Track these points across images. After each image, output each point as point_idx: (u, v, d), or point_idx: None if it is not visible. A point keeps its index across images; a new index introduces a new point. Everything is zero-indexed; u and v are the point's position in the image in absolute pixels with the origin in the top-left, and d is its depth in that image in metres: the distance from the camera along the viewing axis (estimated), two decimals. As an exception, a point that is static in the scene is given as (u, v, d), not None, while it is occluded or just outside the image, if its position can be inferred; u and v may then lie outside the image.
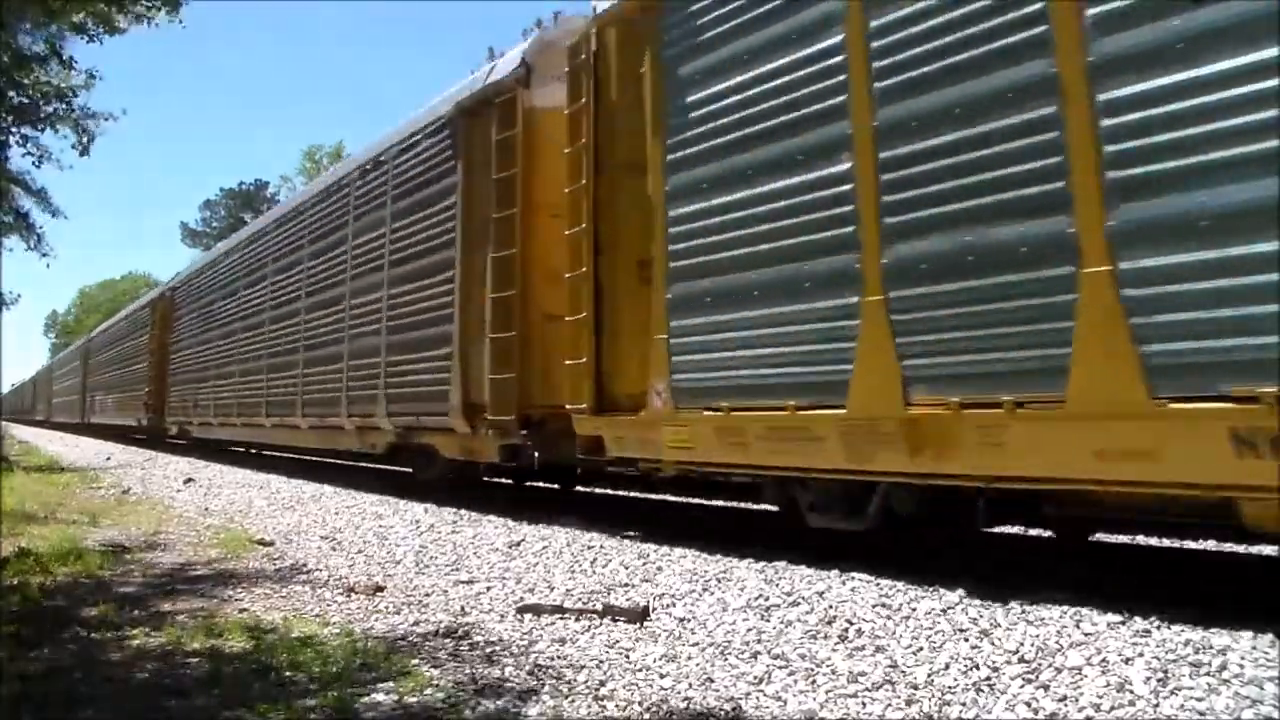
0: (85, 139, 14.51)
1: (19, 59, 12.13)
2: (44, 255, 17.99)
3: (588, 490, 8.65)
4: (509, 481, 8.66)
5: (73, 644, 3.42)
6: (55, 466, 14.75)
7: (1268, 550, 4.63)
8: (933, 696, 2.64)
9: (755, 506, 6.80)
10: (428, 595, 4.31)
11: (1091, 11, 3.27)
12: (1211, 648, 2.71)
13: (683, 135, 5.10)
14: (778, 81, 4.52)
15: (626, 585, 4.22)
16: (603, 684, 2.90)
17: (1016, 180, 3.49)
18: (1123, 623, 3.01)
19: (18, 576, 4.65)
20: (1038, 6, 3.44)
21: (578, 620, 3.68)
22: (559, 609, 3.83)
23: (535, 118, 6.69)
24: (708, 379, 4.86)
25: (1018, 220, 3.48)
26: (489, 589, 4.39)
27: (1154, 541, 4.99)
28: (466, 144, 7.22)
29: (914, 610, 3.36)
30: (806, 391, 4.31)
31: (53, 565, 4.93)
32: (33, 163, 15.19)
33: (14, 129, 13.47)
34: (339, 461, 12.33)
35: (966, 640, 3.01)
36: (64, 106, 13.88)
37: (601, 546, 5.12)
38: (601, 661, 3.15)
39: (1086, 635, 2.91)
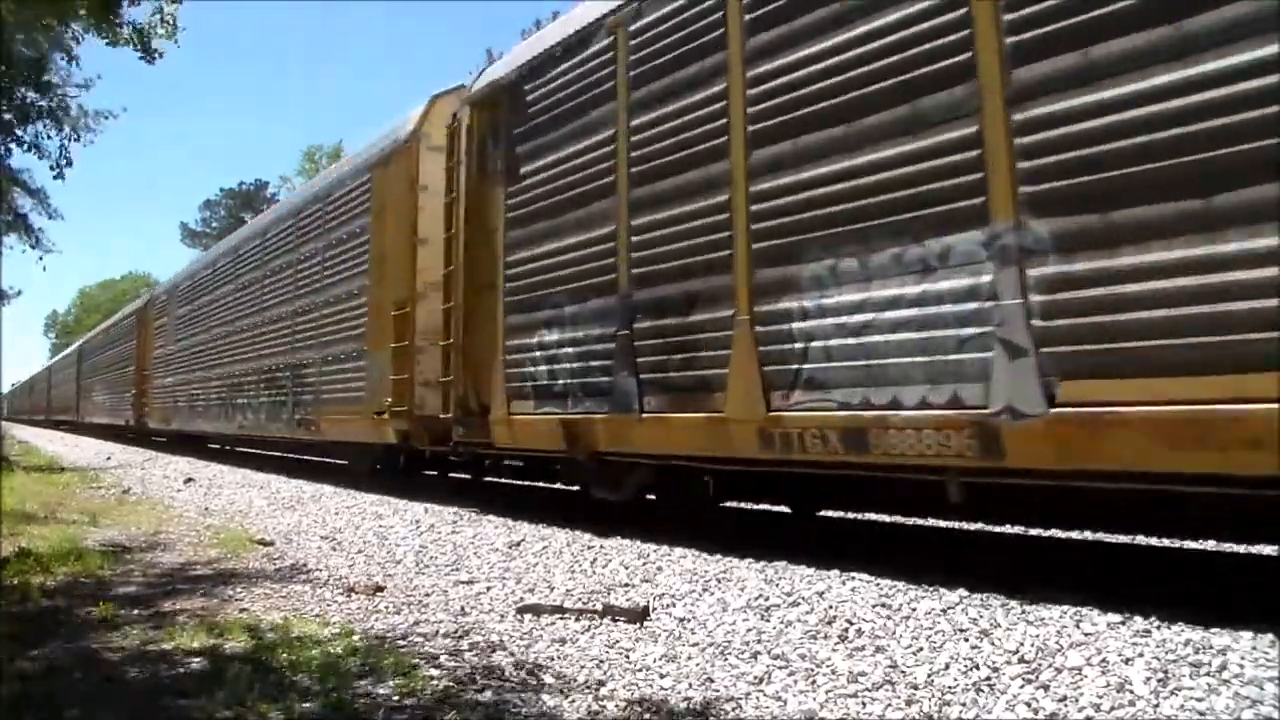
0: (64, 159, 14.56)
1: (17, 65, 12.13)
2: (42, 256, 18.03)
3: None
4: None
5: (73, 644, 3.42)
6: (55, 466, 14.75)
7: (1268, 550, 4.63)
8: (933, 696, 2.64)
9: (755, 507, 6.81)
10: (428, 595, 4.31)
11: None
12: (1211, 648, 2.72)
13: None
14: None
15: (626, 585, 4.22)
16: (602, 684, 2.90)
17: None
18: (1123, 623, 3.02)
19: (18, 576, 4.65)
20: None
21: (578, 620, 3.68)
22: (559, 609, 3.83)
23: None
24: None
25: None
26: (489, 589, 4.39)
27: (1154, 541, 4.99)
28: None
29: (914, 610, 3.37)
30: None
31: (53, 565, 4.93)
32: (23, 174, 15.32)
33: (12, 131, 13.46)
34: (334, 460, 12.37)
35: (966, 640, 3.01)
36: (52, 121, 13.97)
37: (601, 546, 5.12)
38: (601, 661, 3.15)
39: (1086, 635, 2.92)
